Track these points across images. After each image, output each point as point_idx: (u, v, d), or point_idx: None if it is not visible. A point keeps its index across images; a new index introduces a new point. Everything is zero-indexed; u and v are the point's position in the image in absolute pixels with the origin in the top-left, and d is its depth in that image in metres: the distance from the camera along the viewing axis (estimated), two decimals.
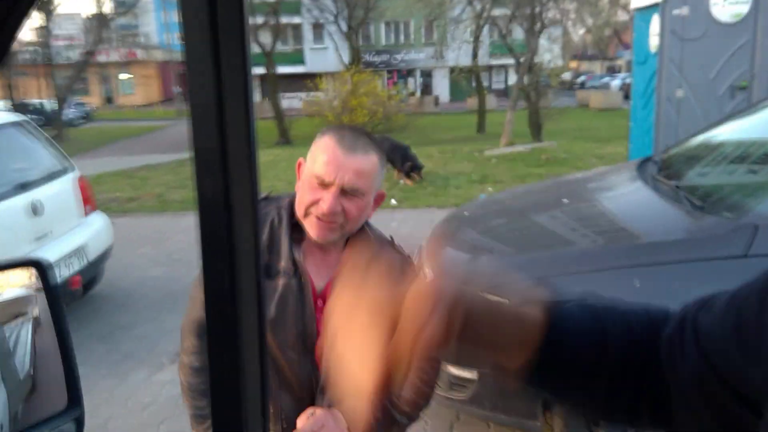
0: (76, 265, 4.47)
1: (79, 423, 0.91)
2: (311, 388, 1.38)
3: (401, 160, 9.49)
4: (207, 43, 0.49)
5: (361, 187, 1.31)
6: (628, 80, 31.19)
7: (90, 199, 5.02)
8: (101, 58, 34.44)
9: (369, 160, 1.32)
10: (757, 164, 3.17)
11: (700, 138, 3.89)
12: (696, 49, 6.90)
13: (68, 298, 4.47)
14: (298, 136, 19.59)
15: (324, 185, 1.30)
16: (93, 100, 38.91)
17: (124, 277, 5.74)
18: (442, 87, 40.11)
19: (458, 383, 2.76)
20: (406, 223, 7.15)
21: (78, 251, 4.53)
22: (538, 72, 18.17)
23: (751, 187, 3.01)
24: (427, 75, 40.60)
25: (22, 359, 0.98)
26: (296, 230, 1.40)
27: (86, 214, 4.91)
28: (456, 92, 38.19)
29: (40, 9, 21.05)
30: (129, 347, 4.33)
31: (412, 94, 35.82)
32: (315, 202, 1.31)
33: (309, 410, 1.33)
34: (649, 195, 3.19)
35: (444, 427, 3.22)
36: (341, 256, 1.42)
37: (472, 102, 27.00)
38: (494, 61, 37.22)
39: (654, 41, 7.34)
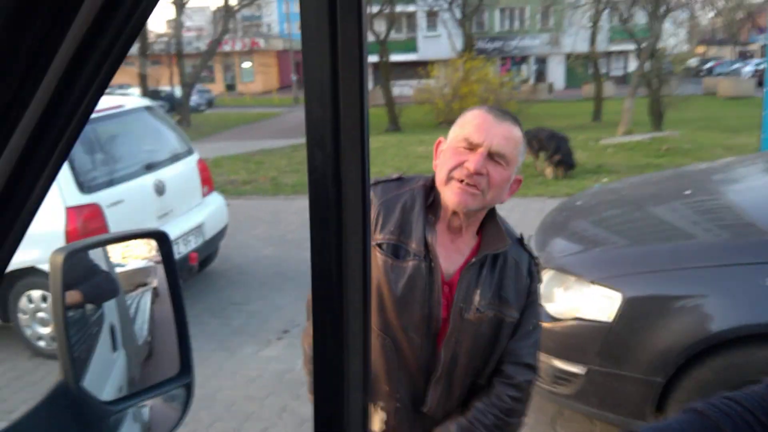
0: (194, 243, 4.74)
1: (189, 389, 0.94)
2: (429, 372, 1.39)
3: (555, 149, 8.90)
4: (325, 25, 0.50)
5: (507, 154, 1.31)
6: (761, 66, 28.74)
7: (208, 180, 5.30)
8: (225, 47, 36.24)
9: (516, 131, 1.34)
10: None
11: None
12: None
13: (186, 274, 4.75)
14: (407, 124, 19.68)
15: (472, 147, 1.31)
16: (216, 88, 40.97)
17: (238, 255, 6.02)
18: (557, 74, 38.84)
19: (563, 377, 2.66)
20: (515, 212, 7.00)
21: (196, 229, 4.80)
22: (660, 58, 17.14)
23: None
24: (541, 62, 39.45)
25: (141, 327, 1.03)
26: (430, 213, 1.39)
27: (205, 194, 5.19)
28: (571, 79, 36.89)
29: (173, 2, 22.38)
30: (239, 323, 4.55)
31: (526, 81, 34.91)
32: (460, 164, 1.31)
33: None
34: None
35: (546, 422, 3.13)
36: (472, 243, 1.41)
37: (588, 89, 25.97)
38: (613, 47, 35.53)
39: None
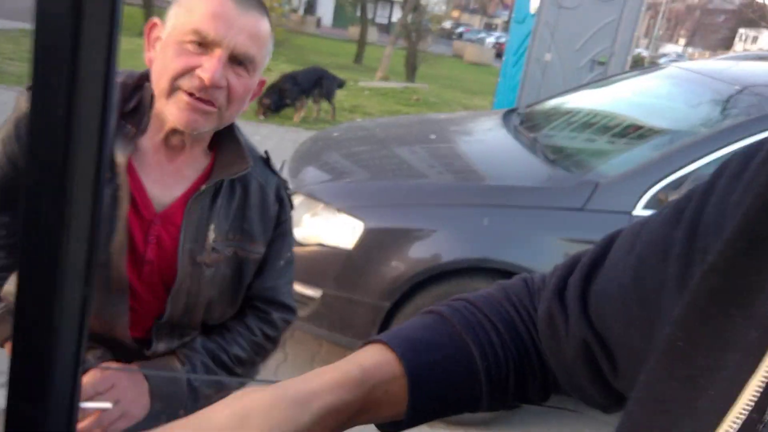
0: None
1: None
2: (114, 334, 1.09)
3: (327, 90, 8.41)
4: None
5: (254, 56, 1.00)
6: (501, 39, 32.14)
7: None
8: None
9: (265, 24, 1.03)
10: (601, 132, 3.42)
11: (558, 100, 4.11)
12: (570, 17, 7.22)
13: None
14: None
15: (205, 45, 0.97)
16: None
17: None
18: (326, 9, 38.96)
19: (299, 300, 2.75)
20: (271, 139, 6.96)
21: None
22: (422, 13, 18.18)
23: (596, 150, 3.24)
24: None
25: None
26: (130, 122, 1.04)
27: None
28: (339, 18, 37.34)
29: None
30: None
31: (295, 11, 34.43)
32: (188, 71, 0.97)
33: (104, 364, 1.07)
34: (510, 143, 3.34)
35: None
36: (201, 165, 1.11)
37: (354, 31, 26.53)
38: None
39: (534, 3, 7.55)
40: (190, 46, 0.97)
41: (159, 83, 1.00)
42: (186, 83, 0.97)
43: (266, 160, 1.19)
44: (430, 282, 2.62)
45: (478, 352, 0.56)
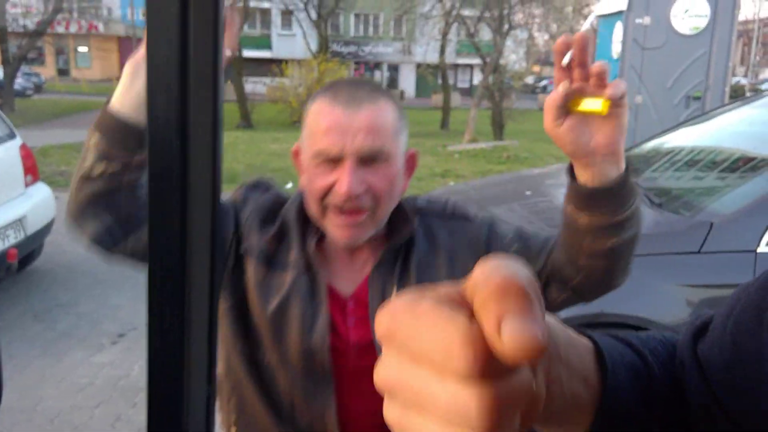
0: (12, 238, 4.25)
1: None
2: (326, 428, 1.04)
3: None
4: (174, 15, 0.45)
5: (381, 147, 0.97)
6: None
7: (32, 169, 4.78)
8: (59, 28, 33.45)
9: (382, 110, 0.98)
10: (708, 169, 3.22)
11: (657, 141, 3.94)
12: (656, 58, 7.05)
13: (3, 273, 4.26)
14: (260, 121, 19.33)
15: (333, 161, 0.96)
16: (47, 72, 37.68)
17: (66, 252, 5.50)
18: (408, 82, 40.14)
19: None
20: None
21: (15, 223, 4.31)
22: (502, 73, 18.33)
23: (705, 188, 3.04)
24: (393, 69, 40.57)
25: None
26: (314, 226, 1.07)
27: (28, 185, 4.68)
28: (421, 88, 38.31)
29: None
30: (67, 326, 4.14)
31: None
32: (328, 189, 0.97)
33: None
34: None
35: None
36: (379, 242, 1.07)
37: (437, 98, 27.12)
38: (460, 60, 37.55)
39: (616, 48, 7.45)
40: (320, 167, 0.97)
41: (311, 207, 1.02)
42: (331, 200, 0.97)
43: (419, 209, 1.12)
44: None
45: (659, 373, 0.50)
